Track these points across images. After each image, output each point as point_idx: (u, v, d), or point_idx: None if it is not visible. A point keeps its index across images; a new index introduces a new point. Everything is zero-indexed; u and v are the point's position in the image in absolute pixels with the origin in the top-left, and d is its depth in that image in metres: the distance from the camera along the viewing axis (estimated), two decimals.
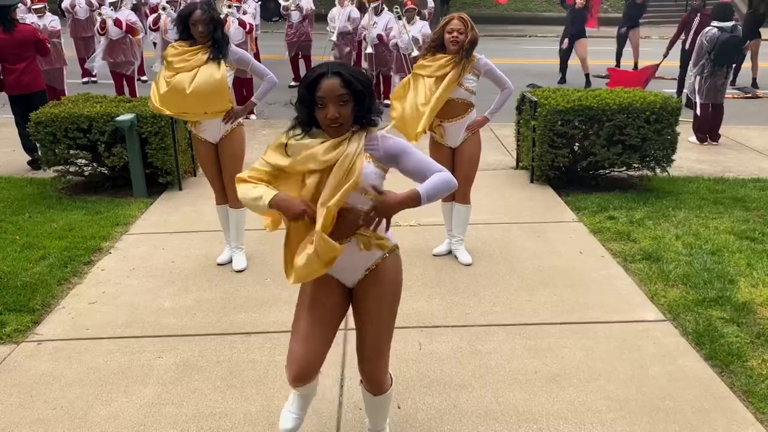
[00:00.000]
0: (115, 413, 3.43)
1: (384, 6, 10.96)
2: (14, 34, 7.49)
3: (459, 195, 5.06)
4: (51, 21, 10.21)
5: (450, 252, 5.27)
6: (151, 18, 11.84)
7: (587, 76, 12.90)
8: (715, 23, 8.61)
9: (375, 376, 2.83)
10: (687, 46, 11.14)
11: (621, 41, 14.61)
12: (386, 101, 10.93)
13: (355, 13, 11.65)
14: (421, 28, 9.85)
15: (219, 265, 5.14)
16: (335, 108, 2.42)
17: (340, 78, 2.41)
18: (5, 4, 7.61)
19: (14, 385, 3.67)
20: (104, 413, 3.43)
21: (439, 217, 5.33)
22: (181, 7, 10.25)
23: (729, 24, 8.53)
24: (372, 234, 2.59)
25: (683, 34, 11.41)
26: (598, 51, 15.07)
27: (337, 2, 11.68)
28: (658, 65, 11.11)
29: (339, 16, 11.48)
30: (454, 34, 4.60)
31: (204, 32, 4.53)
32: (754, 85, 12.79)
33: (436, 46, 4.74)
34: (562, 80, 13.26)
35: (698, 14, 11.09)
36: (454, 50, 4.64)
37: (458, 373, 3.75)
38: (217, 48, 4.58)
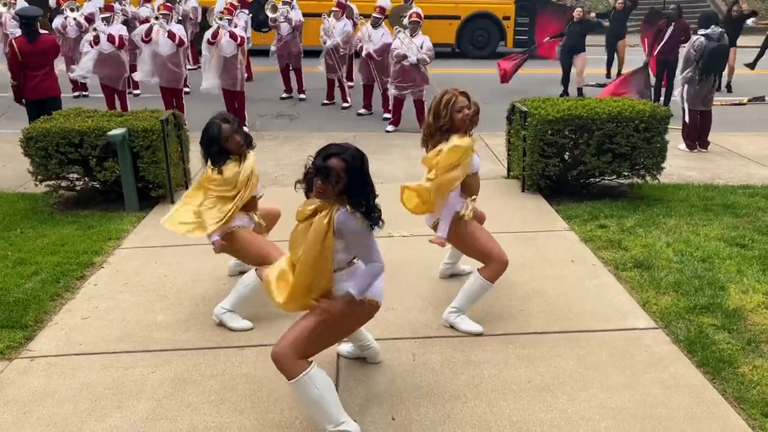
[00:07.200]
0: (109, 429, 3.43)
1: (382, 21, 10.96)
2: (37, 43, 8.08)
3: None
4: (120, 30, 10.52)
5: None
6: (143, 30, 11.83)
7: (579, 90, 12.64)
8: (701, 32, 8.69)
9: None
10: (662, 55, 11.33)
11: (610, 50, 14.73)
12: (386, 115, 10.96)
13: (349, 27, 11.70)
14: (423, 42, 9.84)
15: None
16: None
17: None
18: (28, 15, 8.03)
19: (7, 402, 3.66)
20: (98, 429, 3.43)
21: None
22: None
23: (716, 32, 8.61)
24: None
25: (655, 42, 11.53)
26: (596, 60, 15.18)
27: (332, 15, 11.71)
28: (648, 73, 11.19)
29: (334, 30, 11.51)
30: (465, 111, 4.05)
31: (241, 140, 4.34)
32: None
33: (442, 130, 4.10)
34: (565, 93, 12.77)
35: (673, 23, 11.20)
36: (466, 128, 4.10)
37: (452, 384, 3.76)
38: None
